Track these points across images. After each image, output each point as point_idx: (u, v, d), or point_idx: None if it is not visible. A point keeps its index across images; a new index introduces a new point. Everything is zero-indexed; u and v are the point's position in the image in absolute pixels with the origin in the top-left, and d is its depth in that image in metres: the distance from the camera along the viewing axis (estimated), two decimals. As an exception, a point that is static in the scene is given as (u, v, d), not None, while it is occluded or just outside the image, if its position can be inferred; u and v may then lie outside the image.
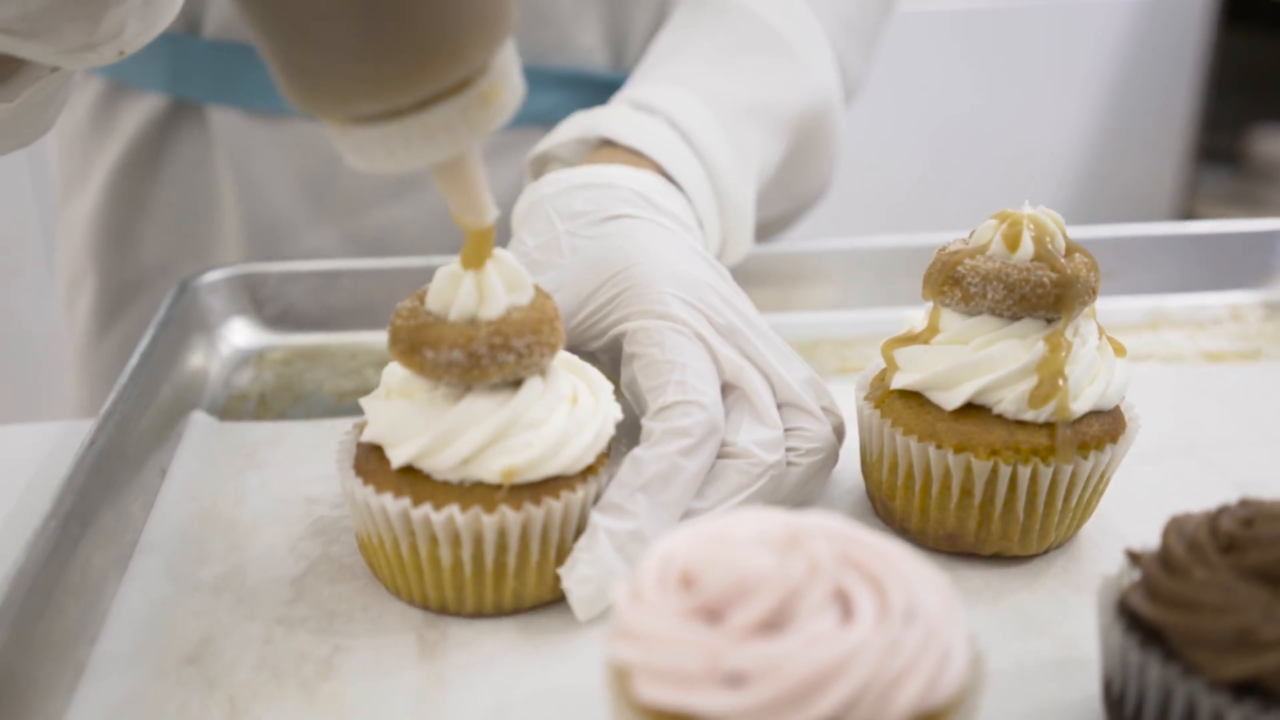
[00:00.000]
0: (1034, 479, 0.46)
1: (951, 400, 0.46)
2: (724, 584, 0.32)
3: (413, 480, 0.43)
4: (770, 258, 0.72)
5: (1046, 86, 1.97)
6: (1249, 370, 0.65)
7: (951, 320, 0.48)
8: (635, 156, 0.58)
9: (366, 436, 0.45)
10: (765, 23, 0.66)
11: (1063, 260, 0.46)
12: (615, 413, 0.46)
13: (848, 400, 0.53)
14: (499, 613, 0.45)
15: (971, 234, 0.49)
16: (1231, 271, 0.75)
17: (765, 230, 0.76)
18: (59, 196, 0.83)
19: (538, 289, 0.45)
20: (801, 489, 0.49)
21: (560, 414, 0.44)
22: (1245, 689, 0.34)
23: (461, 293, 0.43)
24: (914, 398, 0.48)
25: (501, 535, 0.43)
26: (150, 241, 0.79)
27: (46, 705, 0.40)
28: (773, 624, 0.31)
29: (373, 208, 0.76)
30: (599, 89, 0.73)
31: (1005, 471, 0.46)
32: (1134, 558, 0.38)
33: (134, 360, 0.58)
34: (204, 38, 0.73)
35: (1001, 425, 0.46)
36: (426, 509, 0.43)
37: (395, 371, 0.46)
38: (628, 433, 0.49)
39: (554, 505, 0.43)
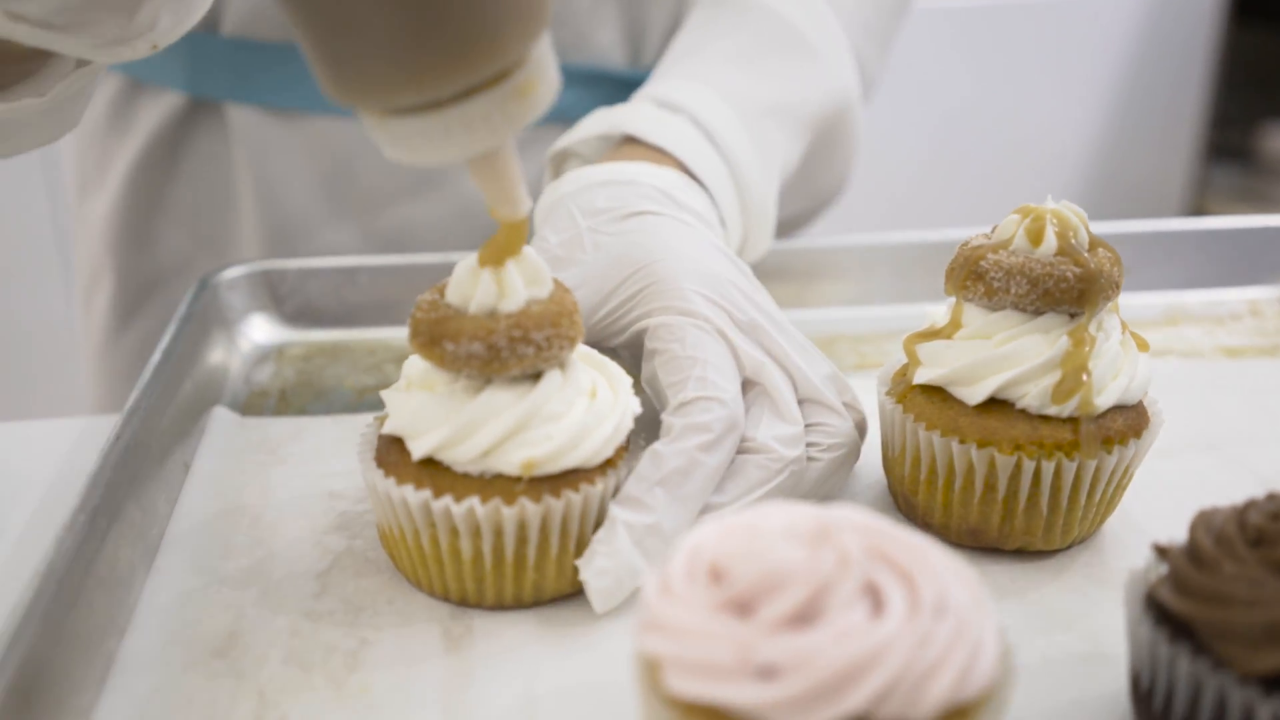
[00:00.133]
0: (1058, 474, 0.46)
1: (975, 395, 0.46)
2: (754, 577, 0.32)
3: (433, 472, 0.44)
4: (787, 254, 0.72)
5: (1057, 83, 1.96)
6: (1269, 366, 0.65)
7: (974, 315, 0.48)
8: (658, 154, 0.58)
9: (387, 429, 0.45)
10: (787, 21, 0.66)
11: (1086, 255, 0.46)
12: (634, 406, 0.46)
13: (868, 396, 0.53)
14: (519, 604, 0.45)
15: (994, 229, 0.49)
16: (1249, 267, 0.75)
17: (783, 228, 0.76)
18: (75, 194, 0.84)
19: (557, 282, 0.45)
20: (823, 485, 0.49)
21: (579, 407, 0.44)
22: (1276, 682, 0.34)
23: (481, 286, 0.43)
24: (936, 393, 0.48)
25: (521, 527, 0.43)
26: (168, 239, 0.79)
27: (78, 698, 0.40)
28: (803, 617, 0.31)
29: (391, 205, 0.76)
30: (617, 86, 0.73)
31: (1029, 466, 0.46)
32: (1161, 552, 0.38)
33: (156, 356, 0.58)
34: (222, 35, 0.73)
35: (1025, 420, 0.46)
36: (447, 501, 0.43)
37: (416, 364, 0.46)
38: (648, 428, 0.49)
39: (573, 498, 0.44)
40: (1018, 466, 0.46)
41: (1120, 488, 0.48)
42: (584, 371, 0.46)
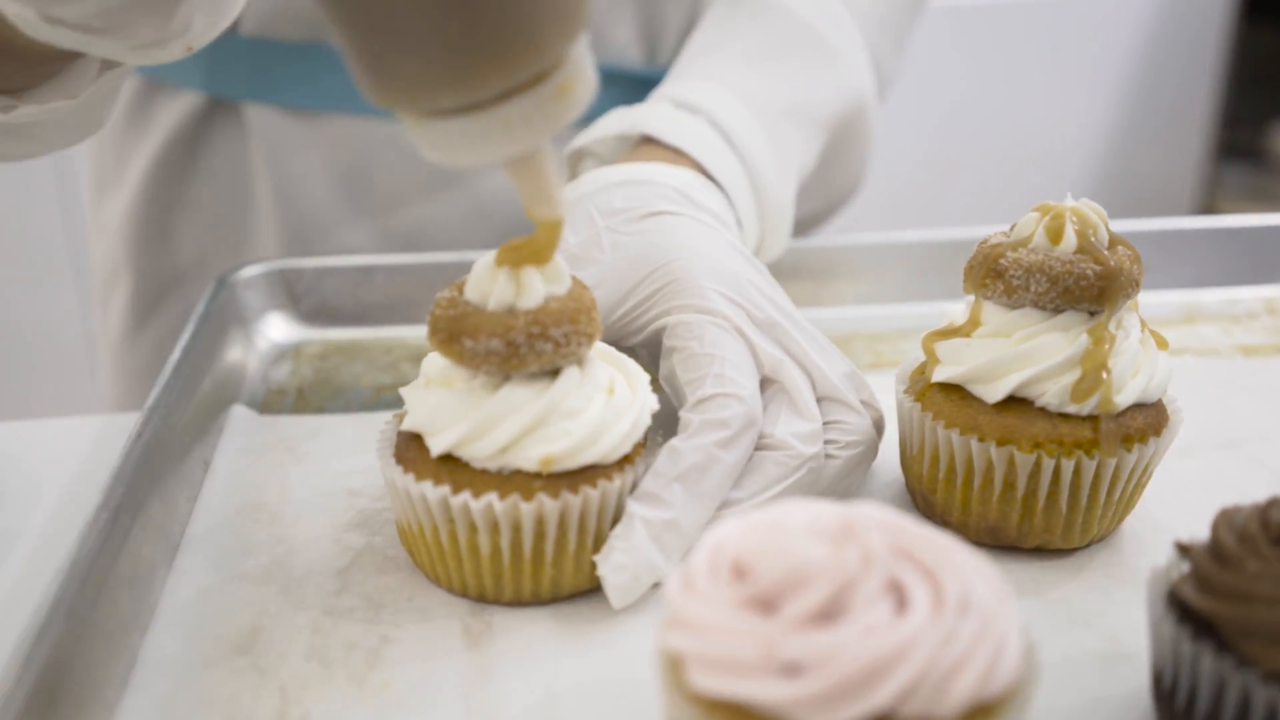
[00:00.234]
0: (1077, 472, 0.46)
1: (994, 393, 0.46)
2: (778, 574, 0.32)
3: (452, 468, 0.44)
4: (802, 252, 0.72)
5: (1067, 82, 1.96)
6: (1285, 365, 0.65)
7: (993, 313, 0.48)
8: (675, 155, 0.59)
9: (406, 425, 0.45)
10: (803, 20, 0.66)
11: (1106, 252, 0.46)
12: (652, 403, 0.47)
13: (885, 394, 0.53)
14: (537, 600, 0.46)
15: (1012, 227, 0.49)
16: (1265, 266, 0.74)
17: (798, 227, 0.76)
18: (92, 193, 0.84)
19: (575, 279, 0.46)
20: (840, 482, 0.49)
21: (597, 403, 0.45)
22: (1300, 680, 0.34)
23: (500, 283, 0.43)
24: (955, 391, 0.48)
25: (539, 523, 0.44)
26: (186, 238, 0.79)
27: (102, 694, 0.41)
28: (827, 614, 0.31)
29: (408, 204, 0.77)
30: (633, 85, 0.73)
31: (1049, 465, 0.46)
32: (1184, 550, 0.38)
33: (175, 354, 0.58)
34: (240, 35, 0.74)
35: (1044, 418, 0.46)
36: (465, 496, 0.43)
37: (434, 361, 0.46)
38: (666, 426, 0.49)
39: (591, 494, 0.44)
40: (1037, 465, 0.46)
41: (1140, 486, 0.48)
42: (602, 368, 0.46)
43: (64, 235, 1.61)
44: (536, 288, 0.43)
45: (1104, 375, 0.45)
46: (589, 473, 0.44)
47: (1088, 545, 0.49)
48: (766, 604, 0.32)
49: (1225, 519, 0.37)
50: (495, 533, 0.44)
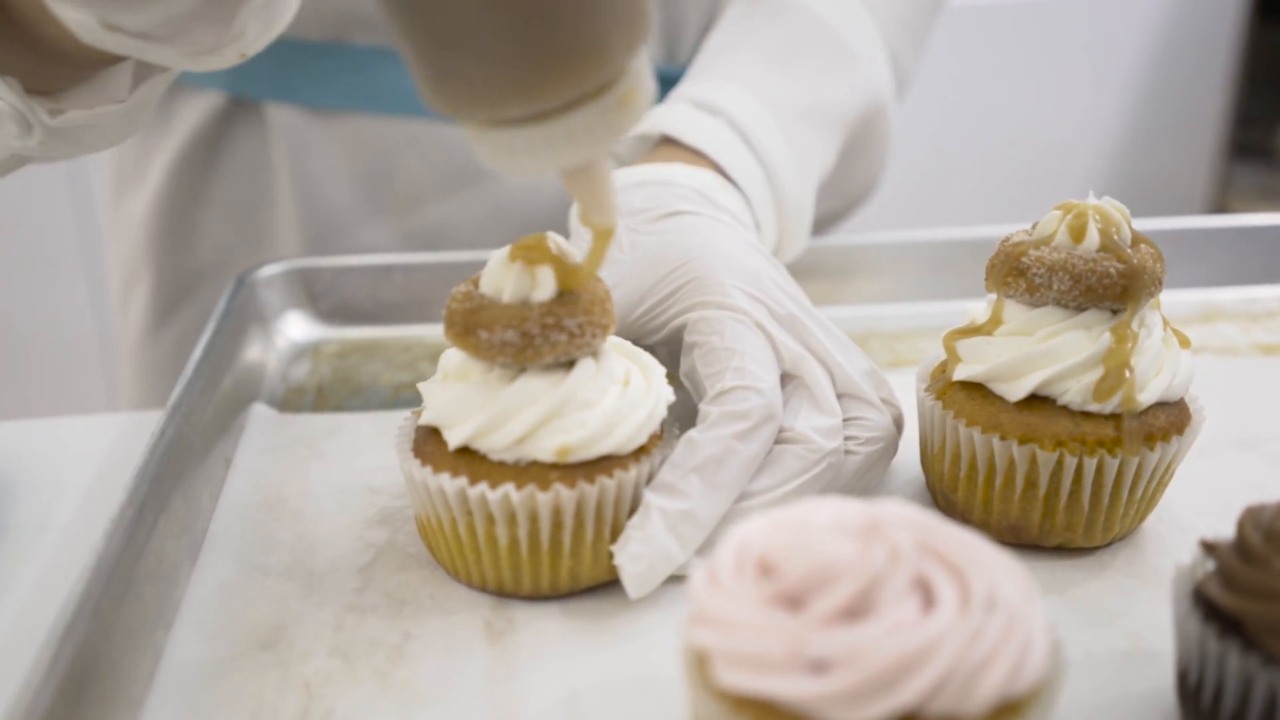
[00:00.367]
0: (1100, 471, 0.46)
1: (1016, 392, 0.46)
2: (804, 571, 0.32)
3: (469, 460, 0.44)
4: (820, 251, 0.72)
5: (1079, 81, 1.96)
6: (1305, 364, 0.65)
7: (1015, 311, 0.48)
8: (695, 156, 0.59)
9: (424, 419, 0.46)
10: (822, 20, 0.66)
11: (1129, 251, 0.46)
12: (667, 394, 0.47)
13: (904, 392, 0.53)
14: (555, 593, 0.46)
15: (1034, 225, 0.49)
16: (1279, 265, 0.74)
17: (816, 226, 0.76)
18: (112, 193, 0.84)
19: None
20: (860, 479, 0.49)
21: (613, 394, 0.45)
22: (1327, 678, 0.34)
23: (514, 276, 0.43)
24: (976, 389, 0.48)
25: (556, 513, 0.44)
26: (207, 237, 0.80)
27: (128, 689, 0.41)
28: (854, 611, 0.31)
29: (427, 203, 0.77)
30: (651, 83, 0.73)
31: (1071, 463, 0.46)
32: (1209, 548, 0.38)
33: (197, 353, 0.58)
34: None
35: (1067, 416, 0.46)
36: (483, 488, 0.43)
37: (452, 357, 0.47)
38: (685, 422, 0.49)
39: (607, 484, 0.44)
40: (1059, 463, 0.46)
41: (1161, 485, 0.48)
42: (617, 360, 0.46)
43: (76, 235, 1.62)
44: (550, 280, 0.44)
45: (1127, 374, 0.45)
46: (605, 463, 0.44)
47: (1109, 544, 0.49)
48: (793, 600, 0.32)
49: (1251, 517, 0.37)
50: (513, 524, 0.44)
